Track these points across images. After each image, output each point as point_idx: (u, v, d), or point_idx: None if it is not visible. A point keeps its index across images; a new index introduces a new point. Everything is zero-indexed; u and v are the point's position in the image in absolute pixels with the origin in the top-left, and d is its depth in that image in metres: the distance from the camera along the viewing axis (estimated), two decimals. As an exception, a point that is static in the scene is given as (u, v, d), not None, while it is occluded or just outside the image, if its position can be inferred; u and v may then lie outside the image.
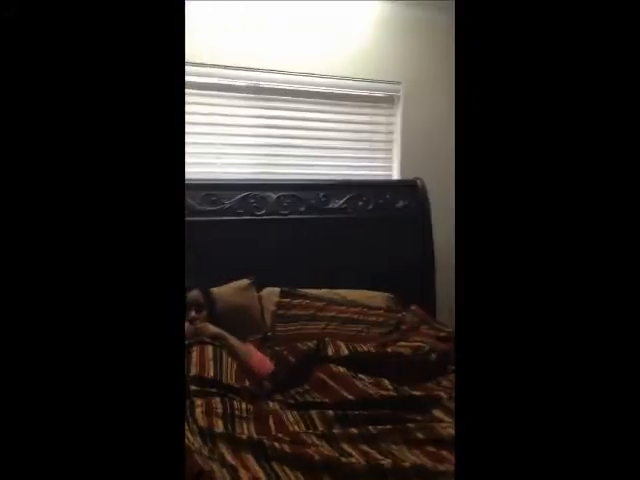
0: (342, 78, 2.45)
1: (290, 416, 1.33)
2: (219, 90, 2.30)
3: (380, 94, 2.58)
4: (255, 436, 1.17)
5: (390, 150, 2.65)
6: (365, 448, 1.15)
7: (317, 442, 1.17)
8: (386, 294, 2.27)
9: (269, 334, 1.96)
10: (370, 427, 1.22)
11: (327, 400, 1.40)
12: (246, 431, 1.20)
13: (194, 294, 1.84)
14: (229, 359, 1.60)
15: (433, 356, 1.69)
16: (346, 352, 1.64)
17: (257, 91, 2.35)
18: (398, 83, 2.56)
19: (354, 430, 1.21)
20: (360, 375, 1.54)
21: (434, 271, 2.42)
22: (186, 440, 1.05)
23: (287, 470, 1.03)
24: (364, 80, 2.50)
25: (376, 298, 2.22)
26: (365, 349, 1.68)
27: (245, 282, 2.08)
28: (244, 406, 1.32)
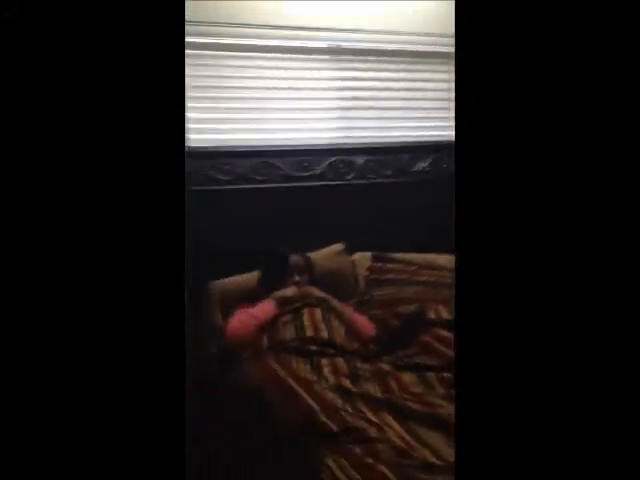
0: (414, 34, 2.35)
1: (407, 378, 1.38)
2: (296, 53, 2.26)
3: (440, 49, 2.44)
4: (382, 395, 1.23)
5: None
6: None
7: (443, 403, 1.22)
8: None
9: (366, 297, 2.01)
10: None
11: (436, 363, 1.44)
12: (374, 391, 1.26)
13: (294, 259, 1.90)
14: (336, 321, 1.66)
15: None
16: (447, 316, 1.67)
17: (335, 52, 2.31)
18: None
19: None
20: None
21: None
22: (326, 398, 1.12)
23: (426, 430, 1.08)
24: (434, 35, 2.39)
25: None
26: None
27: (339, 247, 2.13)
28: (365, 366, 1.38)
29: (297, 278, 1.84)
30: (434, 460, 0.94)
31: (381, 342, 1.66)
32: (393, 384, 1.33)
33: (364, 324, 1.76)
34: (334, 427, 0.99)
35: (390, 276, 2.06)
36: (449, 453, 0.98)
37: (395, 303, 1.90)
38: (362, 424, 1.03)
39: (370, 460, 0.88)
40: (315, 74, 2.31)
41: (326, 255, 2.09)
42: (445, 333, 1.57)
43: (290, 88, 2.26)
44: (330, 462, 0.88)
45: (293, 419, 1.03)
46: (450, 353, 1.47)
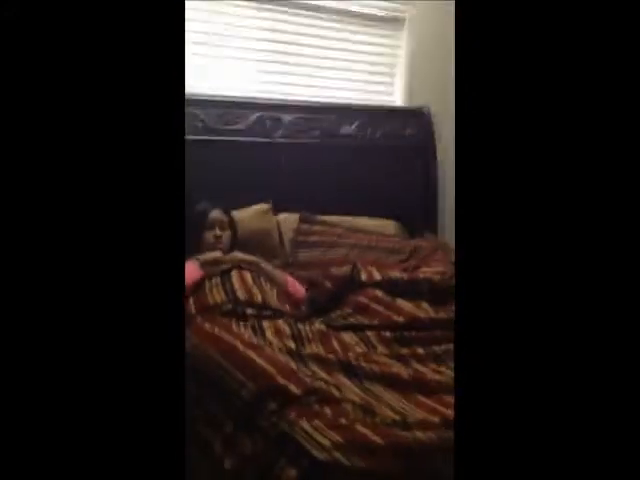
0: None
1: (347, 337, 1.36)
2: None
3: (386, 14, 2.46)
4: (331, 356, 1.19)
5: (394, 74, 2.58)
6: (436, 366, 1.21)
7: (389, 362, 1.21)
8: (393, 222, 2.31)
9: (291, 259, 1.95)
10: (434, 347, 1.28)
11: (376, 322, 1.44)
12: (320, 351, 1.22)
13: (215, 214, 1.78)
14: (268, 284, 1.59)
15: (457, 281, 1.76)
16: (379, 277, 1.67)
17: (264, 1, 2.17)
18: (407, 3, 2.46)
19: (420, 350, 1.27)
20: (397, 299, 1.58)
21: (437, 199, 2.46)
22: (280, 360, 1.06)
23: (380, 388, 1.06)
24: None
25: (386, 226, 2.26)
26: (397, 275, 1.72)
27: (265, 206, 2.03)
28: (305, 328, 1.33)
29: (218, 232, 1.73)
30: (396, 417, 0.92)
31: (313, 303, 1.62)
32: (336, 344, 1.30)
33: (295, 286, 1.71)
34: (296, 390, 0.93)
35: (316, 238, 2.02)
36: (407, 410, 0.97)
37: (322, 265, 1.87)
38: (322, 385, 0.98)
39: (344, 420, 0.84)
40: (245, 22, 2.14)
41: (251, 214, 1.99)
42: (379, 293, 1.58)
43: (215, 33, 2.08)
44: (305, 425, 0.82)
45: (252, 385, 0.95)
46: (387, 313, 1.48)
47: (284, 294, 1.62)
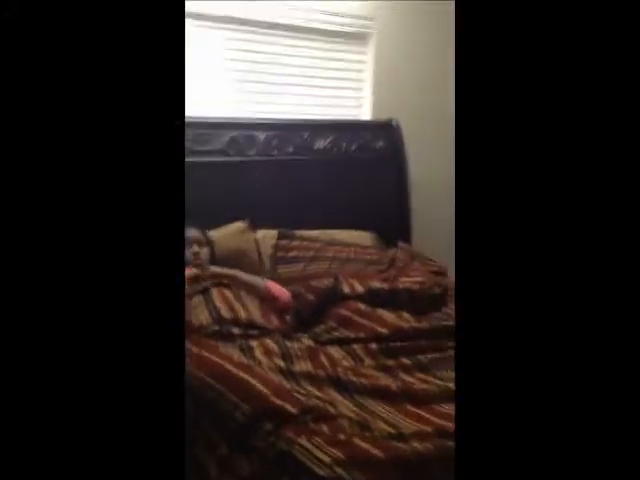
0: (314, 11, 2.36)
1: (334, 352, 1.38)
2: (195, 19, 2.12)
3: (352, 30, 2.52)
4: (321, 372, 1.20)
5: (361, 89, 2.64)
6: (423, 376, 1.24)
7: (376, 374, 1.24)
8: (369, 233, 2.34)
9: (269, 275, 1.96)
10: (420, 356, 1.31)
11: (362, 335, 1.46)
12: (308, 367, 1.23)
13: (192, 233, 1.78)
14: (249, 297, 1.59)
15: (437, 290, 1.81)
16: (361, 289, 1.70)
17: (230, 21, 2.20)
18: (371, 19, 2.52)
19: (406, 360, 1.30)
20: (379, 310, 1.61)
21: (410, 209, 2.52)
22: (273, 380, 1.07)
23: (371, 401, 1.09)
24: (336, 15, 2.43)
25: (363, 237, 2.29)
26: (378, 286, 1.75)
27: (241, 225, 2.04)
28: (294, 344, 1.34)
29: (196, 249, 1.73)
30: (391, 430, 0.95)
31: (299, 317, 1.63)
32: (324, 359, 1.32)
33: (277, 288, 1.71)
34: (293, 409, 0.94)
35: (296, 253, 2.04)
36: (400, 422, 1.00)
37: (303, 280, 1.88)
38: (317, 403, 1.00)
39: (342, 436, 0.86)
40: (214, 43, 2.17)
41: (228, 234, 2.00)
42: (362, 306, 1.60)
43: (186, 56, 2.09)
44: (304, 442, 0.83)
45: (246, 406, 0.96)
46: (370, 324, 1.50)
47: (268, 301, 1.63)
